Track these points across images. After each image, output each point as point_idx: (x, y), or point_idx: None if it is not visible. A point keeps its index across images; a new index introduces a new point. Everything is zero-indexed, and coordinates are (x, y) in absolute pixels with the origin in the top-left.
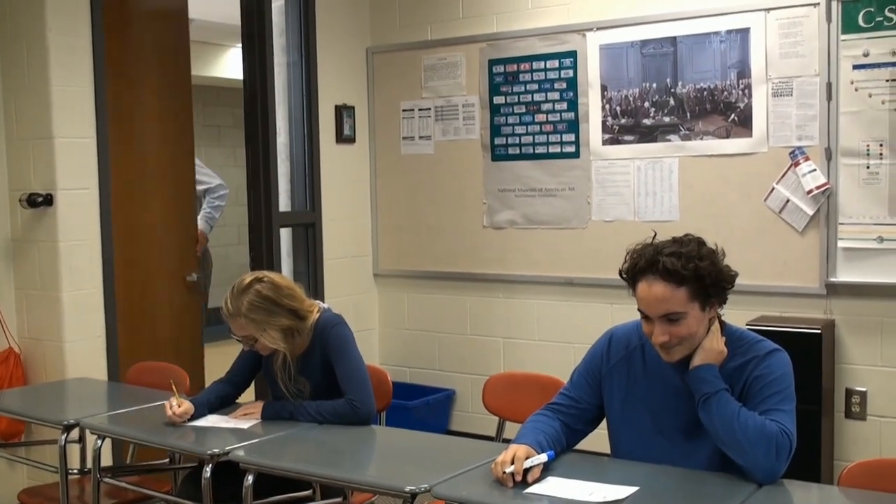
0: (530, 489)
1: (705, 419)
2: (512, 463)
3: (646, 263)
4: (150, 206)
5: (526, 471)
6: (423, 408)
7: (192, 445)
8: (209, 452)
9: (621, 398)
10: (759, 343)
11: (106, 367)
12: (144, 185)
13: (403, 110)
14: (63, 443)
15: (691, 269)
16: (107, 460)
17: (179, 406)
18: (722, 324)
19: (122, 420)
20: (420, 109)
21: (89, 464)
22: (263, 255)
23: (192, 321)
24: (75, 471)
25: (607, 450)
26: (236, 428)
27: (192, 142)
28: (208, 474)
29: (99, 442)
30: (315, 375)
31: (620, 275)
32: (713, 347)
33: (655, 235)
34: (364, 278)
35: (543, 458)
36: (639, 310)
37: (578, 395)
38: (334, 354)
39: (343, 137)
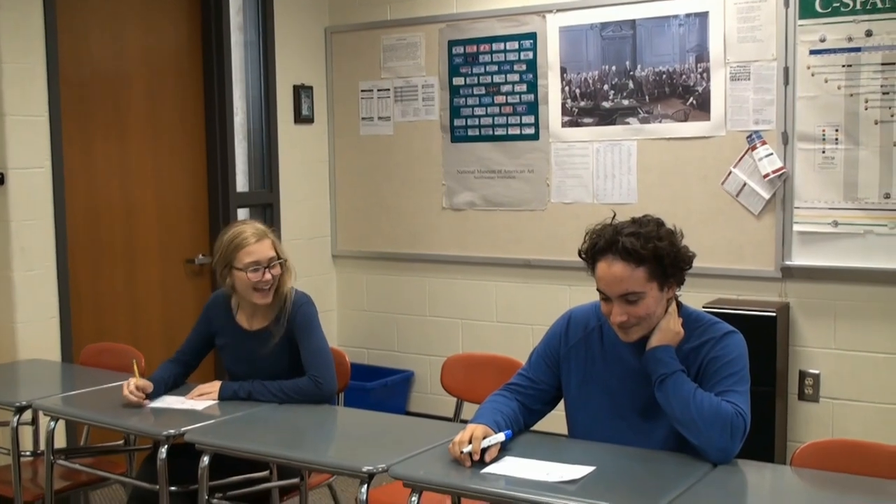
0: (487, 469)
1: (662, 400)
2: (469, 442)
3: (605, 243)
4: (138, 186)
5: (483, 450)
6: (381, 389)
7: (147, 426)
8: (164, 433)
9: (579, 379)
10: (715, 325)
11: (59, 348)
12: (128, 165)
13: (362, 91)
14: (15, 424)
15: (650, 249)
16: (60, 442)
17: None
18: (679, 305)
19: (75, 401)
20: (379, 90)
21: (42, 446)
22: None
23: (194, 306)
24: (28, 453)
25: (564, 430)
26: (191, 409)
27: (201, 114)
28: (164, 455)
29: (52, 424)
30: (275, 350)
31: (580, 255)
32: (670, 328)
33: (615, 216)
34: (322, 259)
35: (501, 437)
36: (598, 290)
37: (537, 375)
38: (300, 331)
39: (301, 118)
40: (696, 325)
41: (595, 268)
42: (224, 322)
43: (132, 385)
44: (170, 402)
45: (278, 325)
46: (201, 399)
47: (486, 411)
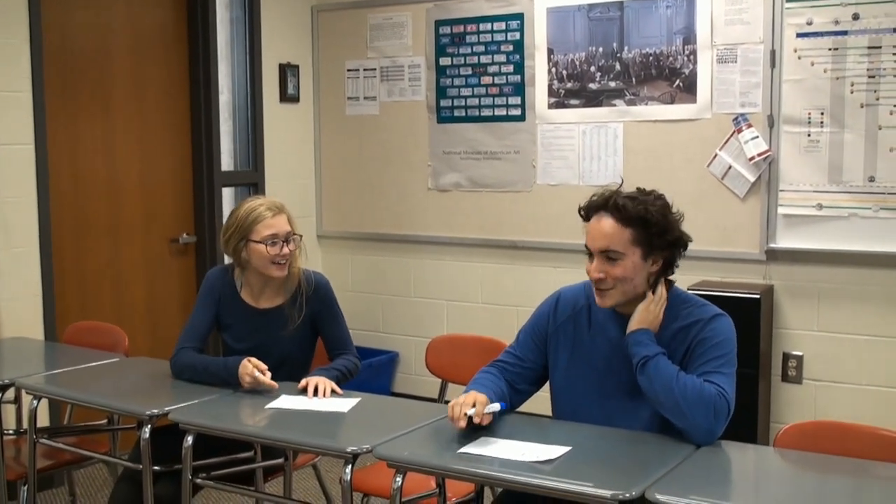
0: (465, 449)
1: (644, 383)
2: (473, 406)
3: (601, 201)
4: (122, 164)
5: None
6: (366, 370)
7: (131, 406)
8: (148, 413)
9: (566, 357)
10: (704, 307)
11: (43, 326)
12: (112, 142)
13: (348, 70)
14: None
15: (640, 210)
16: (43, 421)
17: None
18: (669, 286)
19: (58, 380)
20: (365, 69)
21: (25, 424)
22: (206, 214)
23: (178, 285)
24: (11, 431)
25: (548, 412)
26: (336, 411)
27: (186, 91)
28: (147, 435)
29: (35, 402)
30: (294, 331)
31: (579, 211)
32: (650, 311)
33: (622, 183)
34: (307, 239)
35: (497, 407)
36: (585, 246)
37: (524, 353)
38: (331, 312)
39: (287, 96)
40: (685, 306)
41: (588, 224)
42: (229, 299)
43: (255, 368)
44: (297, 402)
45: (296, 306)
46: (324, 392)
47: (478, 386)
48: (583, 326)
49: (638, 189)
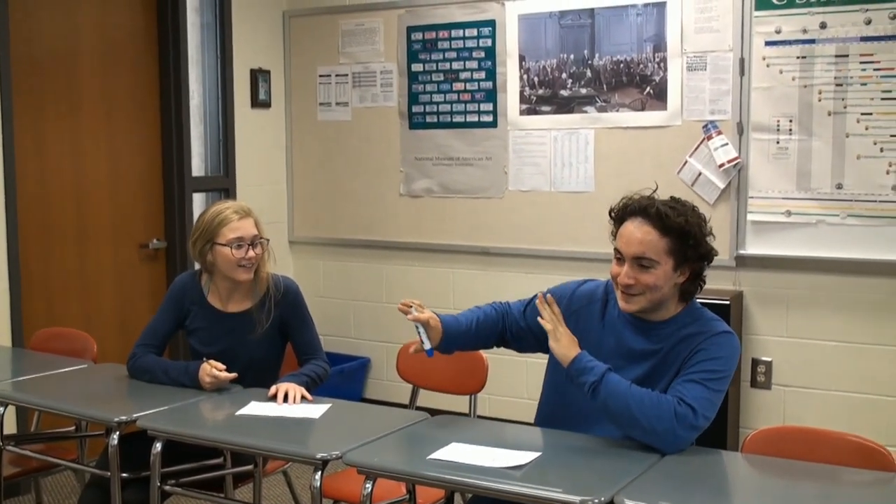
0: (434, 455)
1: (599, 406)
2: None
3: (639, 206)
4: (91, 168)
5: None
6: (337, 376)
7: (99, 412)
8: (116, 420)
9: None
10: (715, 321)
11: (9, 332)
12: (81, 146)
13: (320, 76)
14: None
15: (680, 222)
16: (10, 428)
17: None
18: (689, 300)
19: (25, 387)
20: (337, 75)
21: None
22: (176, 219)
23: (148, 291)
24: None
25: (524, 419)
26: (307, 417)
27: (156, 96)
28: (115, 442)
29: (1, 409)
30: (263, 335)
31: (609, 213)
32: (562, 337)
33: (657, 188)
34: (279, 245)
35: (427, 346)
36: (615, 248)
37: (527, 314)
38: (300, 317)
39: (258, 102)
40: (698, 316)
41: (620, 227)
42: (196, 303)
43: (214, 368)
44: (267, 408)
45: (264, 310)
46: (294, 398)
47: (467, 312)
48: (595, 319)
49: (672, 198)
